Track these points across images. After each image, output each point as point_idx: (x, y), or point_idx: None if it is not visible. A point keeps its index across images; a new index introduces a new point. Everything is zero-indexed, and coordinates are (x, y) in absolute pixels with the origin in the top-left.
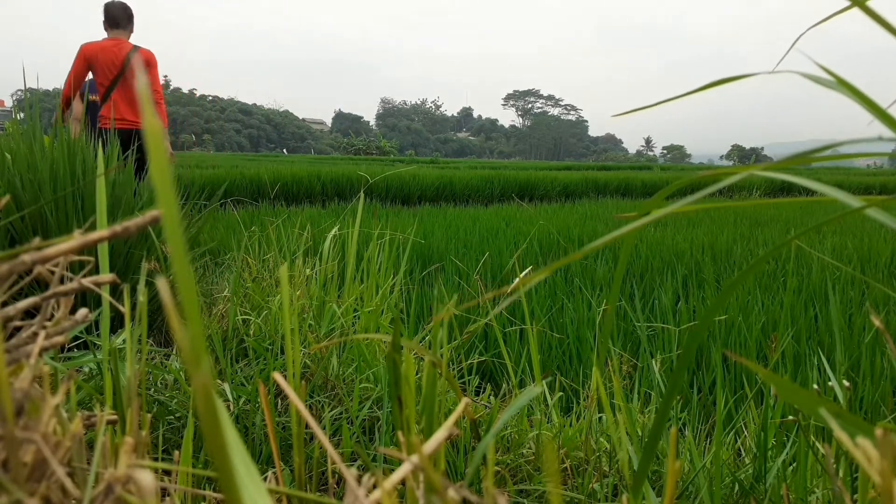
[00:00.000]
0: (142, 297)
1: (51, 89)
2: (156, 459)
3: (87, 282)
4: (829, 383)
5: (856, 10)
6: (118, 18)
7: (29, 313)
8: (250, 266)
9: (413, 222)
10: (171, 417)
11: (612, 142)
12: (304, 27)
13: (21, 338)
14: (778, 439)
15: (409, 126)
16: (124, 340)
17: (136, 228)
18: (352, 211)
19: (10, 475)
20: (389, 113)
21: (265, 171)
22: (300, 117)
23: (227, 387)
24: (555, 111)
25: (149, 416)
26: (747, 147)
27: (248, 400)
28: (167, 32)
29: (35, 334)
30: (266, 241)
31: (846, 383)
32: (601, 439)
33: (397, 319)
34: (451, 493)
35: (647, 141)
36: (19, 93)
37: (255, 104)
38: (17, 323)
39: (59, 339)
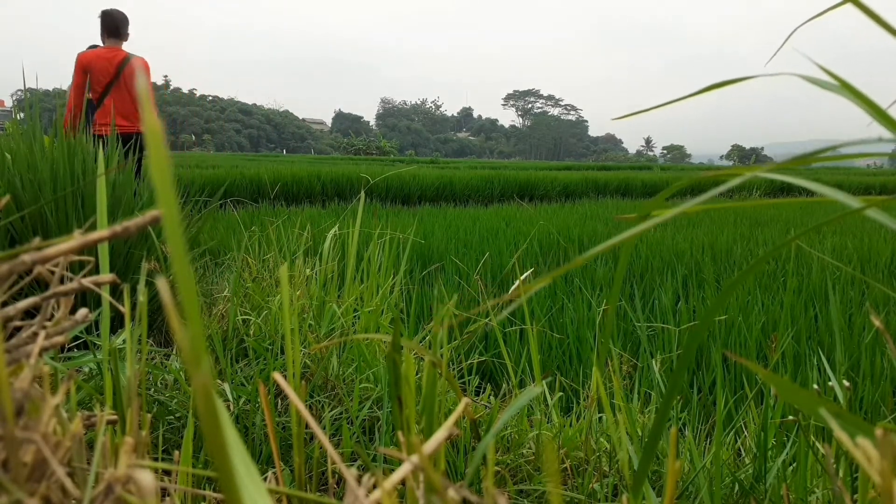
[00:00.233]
0: (142, 297)
1: (51, 89)
2: (156, 459)
3: (87, 282)
4: (829, 383)
5: (854, 10)
6: (116, 27)
7: (29, 313)
8: (250, 266)
9: (413, 222)
10: (171, 417)
11: (612, 142)
12: (305, 27)
13: (21, 338)
14: (778, 439)
15: (409, 126)
16: (124, 340)
17: (136, 228)
18: (352, 211)
19: (10, 475)
20: (389, 113)
21: (265, 171)
22: (300, 117)
23: (227, 387)
24: (555, 111)
25: (149, 416)
26: (747, 147)
27: (248, 400)
28: (167, 32)
29: (35, 334)
30: (266, 241)
31: (846, 383)
32: (601, 439)
33: (397, 319)
34: (451, 493)
35: (647, 141)
36: (19, 93)
37: (255, 104)
38: (17, 323)
39: (59, 339)
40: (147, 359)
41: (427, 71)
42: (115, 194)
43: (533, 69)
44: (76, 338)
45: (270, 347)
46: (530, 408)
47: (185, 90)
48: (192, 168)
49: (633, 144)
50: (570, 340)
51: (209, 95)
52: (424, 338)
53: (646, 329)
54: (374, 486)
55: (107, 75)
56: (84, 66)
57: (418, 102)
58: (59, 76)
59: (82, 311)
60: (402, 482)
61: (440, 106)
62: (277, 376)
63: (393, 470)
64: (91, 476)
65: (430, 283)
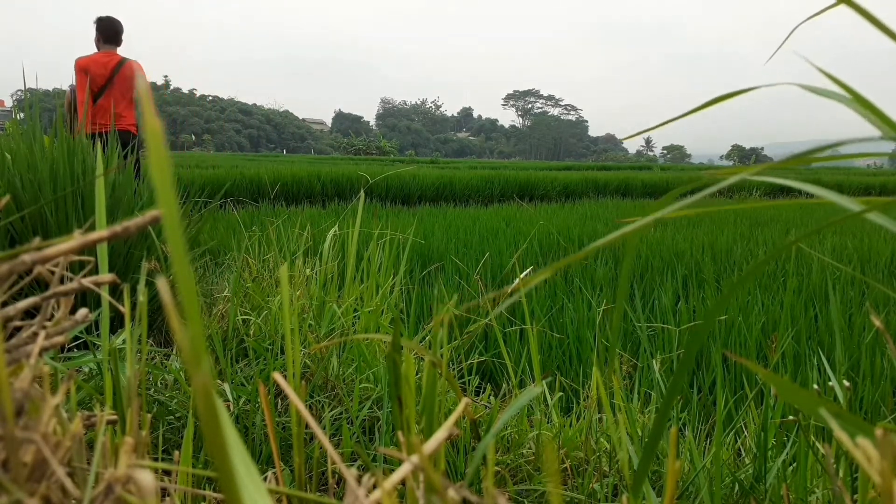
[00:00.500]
0: (142, 297)
1: (51, 89)
2: (156, 459)
3: (87, 282)
4: (829, 383)
5: (851, 11)
6: (114, 34)
7: (29, 313)
8: (250, 266)
9: (413, 222)
10: (171, 417)
11: (611, 142)
12: (305, 27)
13: (21, 338)
14: (778, 439)
15: (409, 126)
16: (124, 340)
17: (135, 228)
18: (352, 211)
19: (10, 475)
20: (389, 113)
21: (265, 171)
22: (300, 117)
23: (227, 387)
24: (555, 111)
25: (149, 416)
26: (747, 147)
27: (248, 400)
28: (167, 32)
29: (35, 334)
30: (266, 242)
31: (846, 383)
32: (601, 439)
33: (397, 319)
34: (451, 493)
35: (647, 141)
36: (19, 93)
37: (255, 104)
38: (17, 323)
39: (59, 339)
40: (147, 359)
41: (427, 71)
42: (115, 194)
43: (533, 69)
44: (76, 338)
45: (270, 347)
46: (530, 408)
47: (185, 90)
48: (192, 168)
49: (633, 144)
50: (570, 340)
51: (209, 95)
52: (424, 338)
53: (646, 329)
54: (374, 486)
55: (102, 78)
56: (82, 69)
57: (418, 102)
58: (59, 76)
59: (82, 311)
60: (402, 482)
61: (440, 106)
62: (277, 376)
63: (393, 470)
64: (91, 476)
65: (430, 283)
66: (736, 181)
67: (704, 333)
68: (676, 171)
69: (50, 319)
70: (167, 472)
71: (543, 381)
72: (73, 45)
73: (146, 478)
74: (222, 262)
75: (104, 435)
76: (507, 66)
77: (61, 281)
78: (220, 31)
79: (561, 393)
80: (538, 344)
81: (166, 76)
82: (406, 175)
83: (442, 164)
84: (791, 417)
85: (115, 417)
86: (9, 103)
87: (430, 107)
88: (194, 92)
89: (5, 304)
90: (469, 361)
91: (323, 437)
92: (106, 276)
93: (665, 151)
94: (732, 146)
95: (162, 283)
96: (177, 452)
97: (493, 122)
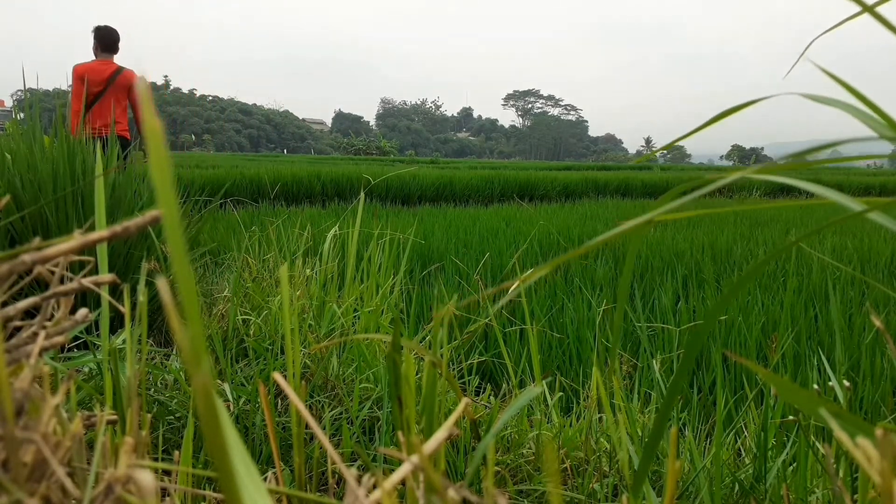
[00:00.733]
0: (142, 297)
1: (51, 89)
2: (156, 459)
3: (87, 282)
4: (829, 383)
5: (853, 8)
6: (113, 43)
7: (29, 313)
8: (250, 266)
9: (413, 222)
10: (171, 417)
11: (611, 142)
12: (305, 27)
13: (21, 338)
14: (778, 439)
15: (409, 126)
16: (124, 340)
17: (135, 228)
18: (352, 211)
19: (10, 475)
20: (389, 113)
21: (265, 172)
22: (300, 117)
23: (227, 387)
24: (555, 111)
25: (149, 416)
26: (747, 147)
27: (248, 400)
28: (167, 32)
29: (35, 334)
30: (266, 242)
31: (846, 383)
32: (601, 439)
33: (397, 319)
34: (451, 493)
35: (647, 141)
36: (19, 93)
37: (255, 104)
38: (17, 323)
39: (59, 339)
40: (147, 359)
41: (427, 71)
42: (115, 194)
43: (533, 69)
44: (76, 338)
45: (270, 347)
46: (530, 408)
47: (185, 90)
48: (192, 168)
49: (633, 144)
50: (570, 340)
51: (209, 95)
52: (424, 338)
53: (646, 329)
54: (374, 486)
55: (99, 84)
56: (80, 75)
57: (418, 102)
58: (59, 76)
59: (82, 311)
60: (402, 482)
61: (440, 106)
62: (277, 376)
63: (393, 470)
64: (91, 476)
65: (430, 283)
66: (736, 181)
67: (704, 333)
68: (676, 171)
69: (50, 319)
70: (167, 472)
71: (543, 381)
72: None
73: (146, 478)
74: (222, 262)
75: (104, 435)
76: (507, 66)
77: (61, 281)
78: (220, 31)
79: (561, 393)
80: (538, 344)
81: (166, 76)
82: (406, 175)
83: (442, 164)
84: (791, 417)
85: (115, 417)
86: (9, 103)
87: (430, 107)
88: (194, 92)
89: (5, 304)
90: (469, 361)
91: (323, 437)
92: (106, 276)
93: (665, 152)
94: (732, 146)
95: (162, 283)
96: (177, 452)
97: (493, 122)
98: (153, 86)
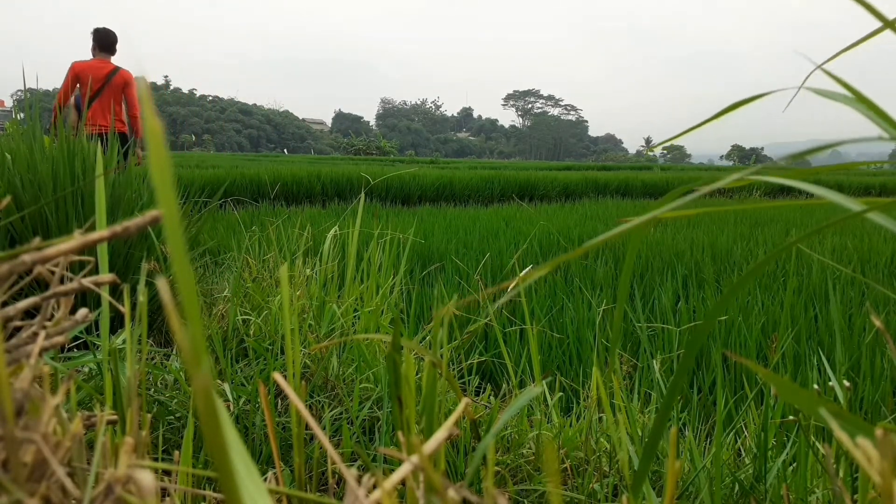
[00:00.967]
0: (142, 297)
1: (51, 89)
2: (156, 459)
3: (87, 282)
4: (829, 383)
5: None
6: (110, 44)
7: (29, 313)
8: (250, 266)
9: (413, 222)
10: (171, 417)
11: (611, 142)
12: (305, 27)
13: (21, 338)
14: (778, 439)
15: (409, 126)
16: (124, 340)
17: (135, 229)
18: (352, 211)
19: (10, 475)
20: (389, 113)
21: (265, 171)
22: (300, 117)
23: (227, 387)
24: (555, 111)
25: (149, 416)
26: (747, 147)
27: (248, 400)
28: (167, 32)
29: (35, 334)
30: (266, 242)
31: (846, 383)
32: (601, 439)
33: (397, 319)
34: (451, 493)
35: (647, 141)
36: (19, 93)
37: (255, 104)
38: (17, 323)
39: (59, 339)
40: (147, 359)
41: (427, 71)
42: (114, 194)
43: (533, 69)
44: (76, 338)
45: (270, 347)
46: (530, 408)
47: (185, 90)
48: (192, 168)
49: (633, 144)
50: (570, 340)
51: (209, 95)
52: (424, 338)
53: (646, 329)
54: (374, 487)
55: (96, 81)
56: (76, 73)
57: (418, 102)
58: (59, 76)
59: (82, 311)
60: (402, 482)
61: (440, 106)
62: (277, 376)
63: (393, 470)
64: (91, 476)
65: (430, 283)
66: (736, 181)
67: (704, 333)
68: (676, 171)
69: (50, 319)
70: (167, 472)
71: (543, 381)
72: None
73: (146, 478)
74: (222, 262)
75: (104, 435)
76: (507, 66)
77: (61, 281)
78: (220, 31)
79: (561, 393)
80: (538, 344)
81: (166, 76)
82: (406, 175)
83: (442, 165)
84: (791, 417)
85: (115, 417)
86: (9, 103)
87: (430, 107)
88: (194, 92)
89: (5, 304)
90: (469, 361)
91: (323, 437)
92: (106, 276)
93: (665, 151)
94: (732, 146)
95: (162, 283)
96: (177, 452)
97: (493, 122)
98: (153, 86)
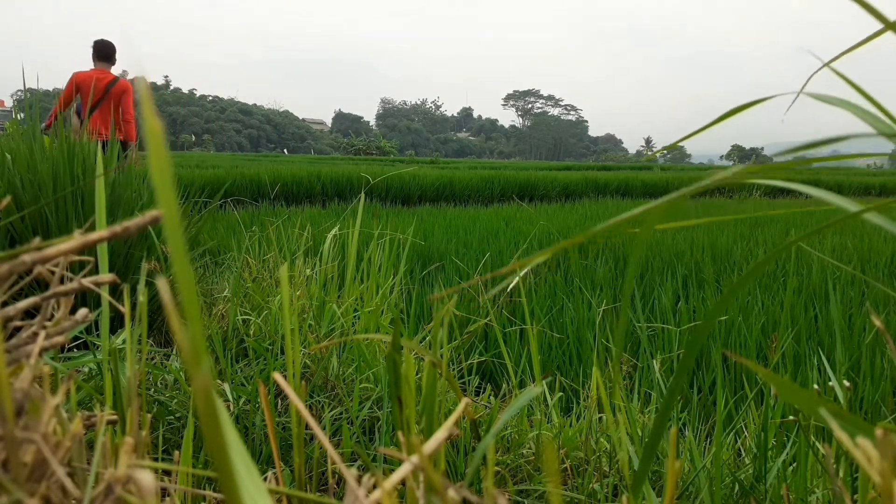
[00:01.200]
0: (142, 297)
1: (51, 89)
2: (156, 459)
3: (87, 282)
4: (830, 383)
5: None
6: (109, 54)
7: (29, 313)
8: (250, 266)
9: (413, 222)
10: (171, 417)
11: (611, 142)
12: (304, 27)
13: (21, 338)
14: (778, 439)
15: (409, 126)
16: (124, 340)
17: (135, 229)
18: (352, 211)
19: (10, 475)
20: (389, 113)
21: (265, 172)
22: (300, 117)
23: (227, 387)
24: (555, 111)
25: (149, 416)
26: (747, 147)
27: (248, 400)
28: (168, 32)
29: (35, 334)
30: (266, 242)
31: (846, 383)
32: (601, 439)
33: (397, 319)
34: (451, 493)
35: (647, 141)
36: (19, 93)
37: (255, 104)
38: (17, 323)
39: (59, 339)
40: (147, 359)
41: (427, 71)
42: (114, 194)
43: (533, 69)
44: (76, 338)
45: (270, 347)
46: (530, 408)
47: (185, 90)
48: (192, 168)
49: (633, 144)
50: (570, 340)
51: (209, 95)
52: (424, 338)
53: (646, 329)
54: (374, 487)
55: (97, 92)
56: (77, 83)
57: (418, 102)
58: (59, 76)
59: (82, 311)
60: (402, 482)
61: (440, 106)
62: (277, 376)
63: (393, 470)
64: (91, 476)
65: (430, 283)
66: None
67: (704, 333)
68: (676, 171)
69: (50, 319)
70: (167, 472)
71: (543, 381)
72: (74, 45)
73: (146, 478)
74: (222, 262)
75: (104, 435)
76: (507, 66)
77: (61, 281)
78: (220, 31)
79: (561, 393)
80: (538, 344)
81: (166, 76)
82: (406, 175)
83: (442, 165)
84: (791, 417)
85: (115, 417)
86: (9, 103)
87: (430, 107)
88: (194, 92)
89: (5, 304)
90: (469, 361)
91: (323, 437)
92: (106, 276)
93: (665, 152)
94: (732, 146)
95: (162, 283)
96: (177, 452)
97: (493, 122)
98: (153, 86)
